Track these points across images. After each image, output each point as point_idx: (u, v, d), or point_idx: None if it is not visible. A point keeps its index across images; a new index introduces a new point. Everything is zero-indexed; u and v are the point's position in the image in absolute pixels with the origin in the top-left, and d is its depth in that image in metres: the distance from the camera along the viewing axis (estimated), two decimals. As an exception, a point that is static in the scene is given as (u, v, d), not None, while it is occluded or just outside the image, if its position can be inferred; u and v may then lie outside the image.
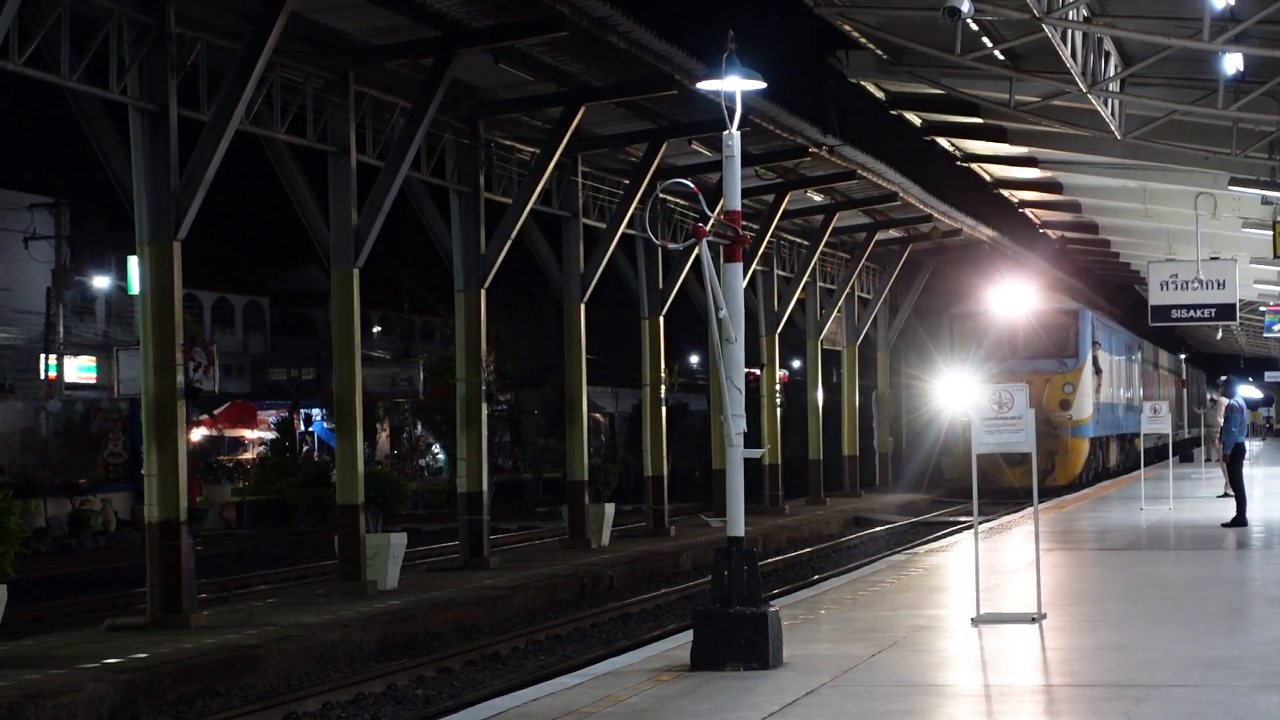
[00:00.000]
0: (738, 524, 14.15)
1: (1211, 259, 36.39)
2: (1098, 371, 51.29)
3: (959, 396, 43.63)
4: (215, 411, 58.86)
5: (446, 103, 27.06)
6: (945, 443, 53.03)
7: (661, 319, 38.02)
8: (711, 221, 14.01)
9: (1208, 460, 53.33)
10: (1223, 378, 36.79)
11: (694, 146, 34.70)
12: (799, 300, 49.45)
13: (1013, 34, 23.99)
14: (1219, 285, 35.45)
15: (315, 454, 58.52)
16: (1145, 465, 41.31)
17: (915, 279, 59.50)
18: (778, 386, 47.46)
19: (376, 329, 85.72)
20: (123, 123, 21.71)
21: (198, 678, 18.13)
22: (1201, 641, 16.01)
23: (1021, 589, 18.73)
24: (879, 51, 26.57)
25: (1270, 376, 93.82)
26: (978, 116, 31.32)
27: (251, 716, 16.95)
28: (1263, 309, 57.41)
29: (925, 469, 58.35)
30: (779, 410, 46.97)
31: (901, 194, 43.67)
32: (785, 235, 48.62)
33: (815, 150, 35.92)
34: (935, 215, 47.46)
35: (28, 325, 66.98)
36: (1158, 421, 35.93)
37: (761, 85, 14.67)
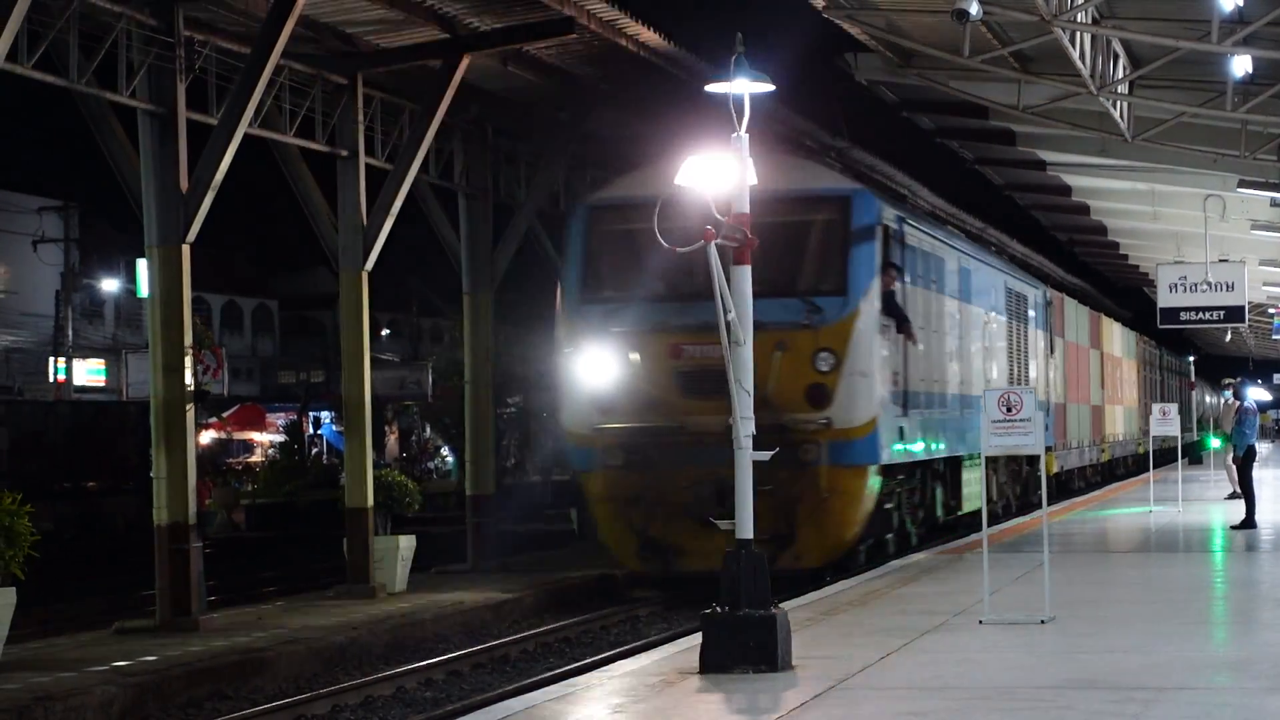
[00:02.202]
0: (746, 527, 14.17)
1: (1220, 261, 36.37)
2: (899, 326, 25.38)
3: (590, 374, 24.17)
4: (224, 414, 58.93)
5: (455, 105, 27.08)
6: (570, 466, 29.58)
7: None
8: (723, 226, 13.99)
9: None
10: (1227, 380, 36.76)
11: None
12: None
13: (1021, 36, 24.01)
14: (1228, 287, 35.42)
15: (324, 457, 58.58)
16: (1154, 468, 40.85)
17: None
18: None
19: (385, 332, 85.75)
20: (131, 126, 21.74)
21: (207, 680, 18.14)
22: (1209, 644, 16.03)
23: (1030, 592, 18.69)
24: (888, 54, 26.58)
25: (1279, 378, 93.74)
26: (986, 119, 31.35)
27: (260, 719, 16.97)
28: (1271, 311, 57.37)
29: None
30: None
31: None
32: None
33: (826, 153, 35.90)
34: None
35: (37, 328, 67.09)
36: (1166, 425, 35.87)
37: (770, 88, 14.68)
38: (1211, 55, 23.22)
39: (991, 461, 31.49)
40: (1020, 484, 36.99)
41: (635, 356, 24.03)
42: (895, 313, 25.07)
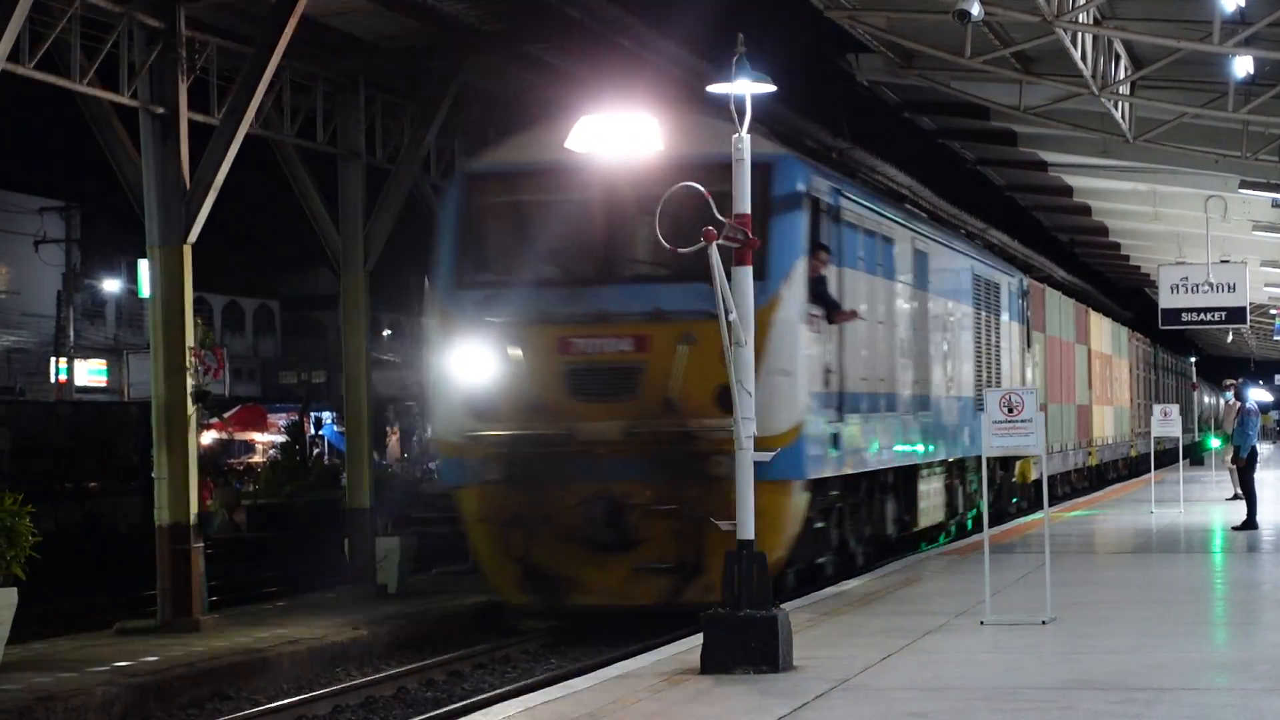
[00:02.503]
0: (747, 527, 14.18)
1: (1222, 262, 36.39)
2: (828, 314, 21.50)
3: (464, 372, 20.73)
4: (225, 415, 58.91)
5: (456, 105, 27.06)
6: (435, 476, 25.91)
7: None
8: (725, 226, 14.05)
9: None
10: (1228, 381, 36.72)
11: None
12: None
13: (1023, 37, 24.03)
14: (1229, 288, 35.44)
15: (325, 458, 58.54)
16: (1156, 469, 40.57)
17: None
18: None
19: (387, 332, 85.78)
20: (133, 126, 21.76)
21: (208, 681, 18.15)
22: (1211, 645, 16.04)
23: (1031, 593, 18.70)
24: (889, 54, 26.59)
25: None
26: (988, 120, 31.36)
27: (261, 719, 16.98)
28: (1273, 312, 57.43)
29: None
30: None
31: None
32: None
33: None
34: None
35: (38, 328, 67.11)
36: (1168, 425, 35.84)
37: (772, 88, 14.67)
38: (1213, 56, 23.23)
39: (957, 468, 29.01)
40: (993, 492, 32.11)
41: (517, 351, 20.54)
42: (826, 300, 21.18)
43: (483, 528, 20.86)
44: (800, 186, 20.83)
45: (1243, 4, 21.21)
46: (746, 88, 14.39)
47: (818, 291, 21.04)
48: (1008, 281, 34.31)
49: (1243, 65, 23.80)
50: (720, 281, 13.89)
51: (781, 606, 14.66)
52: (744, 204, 14.41)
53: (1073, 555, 25.46)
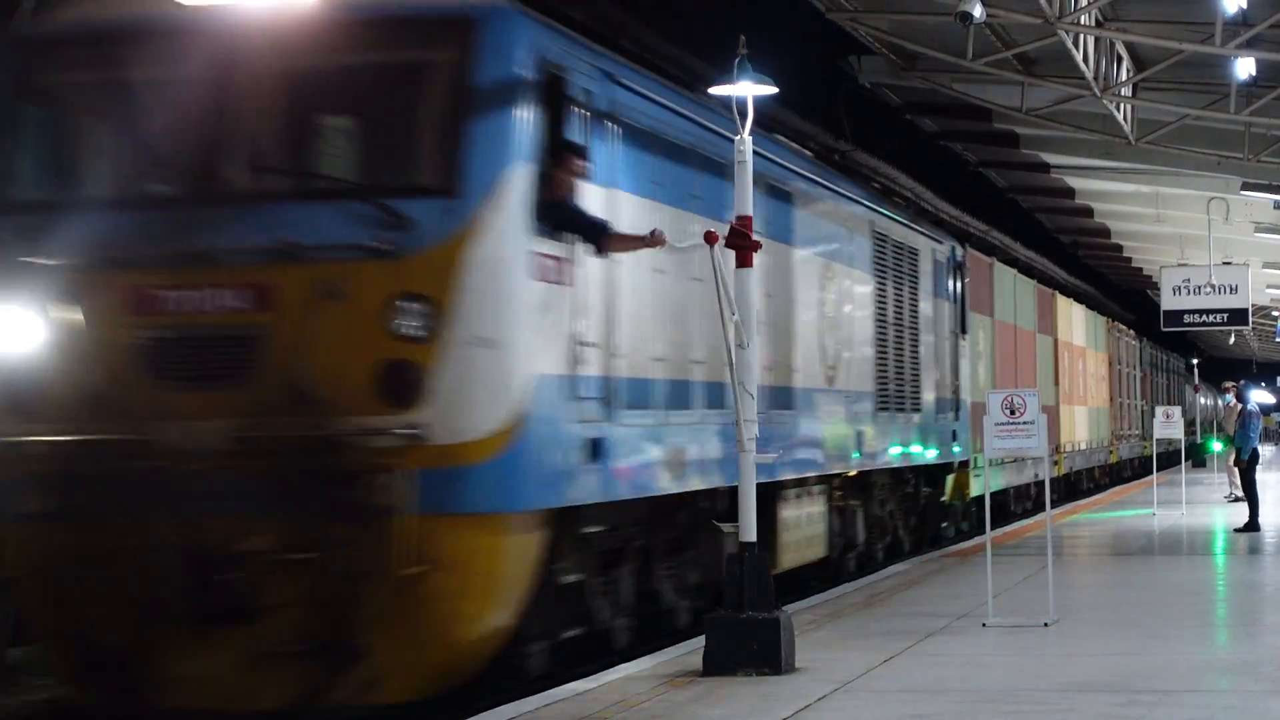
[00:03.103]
0: (750, 530, 14.17)
1: (1224, 264, 36.45)
2: (598, 246, 13.66)
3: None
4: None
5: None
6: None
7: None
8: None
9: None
10: (1228, 383, 36.75)
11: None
12: None
13: (1025, 38, 24.06)
14: (1231, 290, 35.51)
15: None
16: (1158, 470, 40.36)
17: None
18: None
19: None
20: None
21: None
22: (1213, 647, 16.04)
23: (1033, 595, 18.71)
24: (891, 56, 26.61)
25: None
26: (990, 122, 31.39)
27: (264, 721, 16.93)
28: (1275, 313, 57.51)
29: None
30: None
31: None
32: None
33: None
34: None
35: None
36: (1170, 427, 35.82)
37: (773, 90, 14.65)
38: (1215, 58, 23.26)
39: (856, 486, 22.60)
40: (917, 514, 26.58)
41: (70, 311, 12.88)
42: (580, 226, 13.55)
43: (27, 587, 13.11)
44: (524, 56, 13.06)
45: (1244, 5, 21.24)
46: (748, 89, 14.38)
47: (561, 218, 13.40)
48: (932, 247, 26.85)
49: (1245, 67, 23.84)
50: (723, 283, 13.84)
51: (784, 609, 14.66)
52: (745, 205, 14.35)
53: (1075, 557, 25.46)
